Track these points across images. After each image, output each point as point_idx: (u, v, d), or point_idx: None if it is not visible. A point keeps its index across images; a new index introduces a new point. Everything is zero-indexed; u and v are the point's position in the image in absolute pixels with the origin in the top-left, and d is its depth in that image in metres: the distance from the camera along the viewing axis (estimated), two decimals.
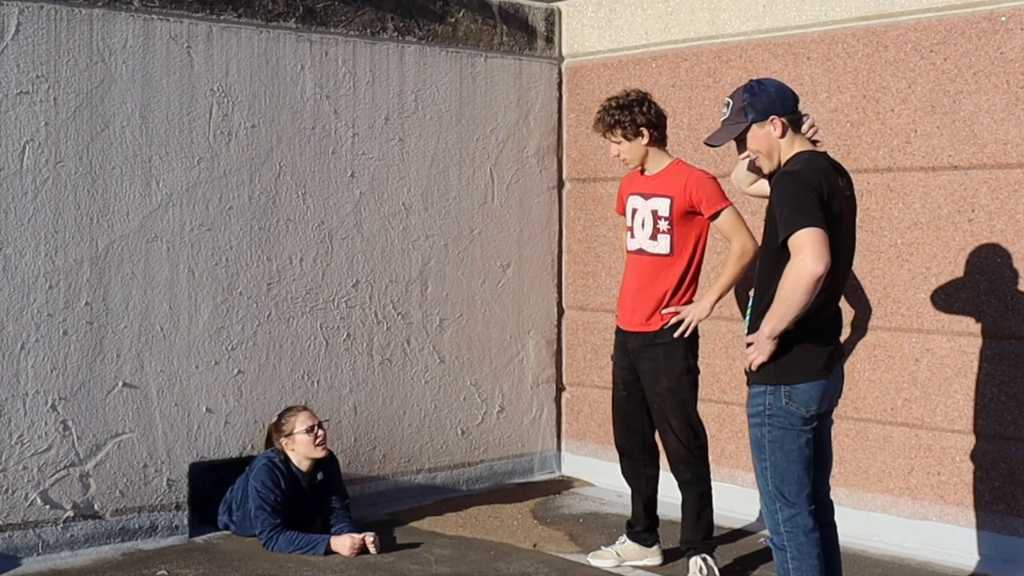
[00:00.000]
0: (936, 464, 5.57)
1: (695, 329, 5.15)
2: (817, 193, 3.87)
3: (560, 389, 7.27)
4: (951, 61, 5.49)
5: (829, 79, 5.91)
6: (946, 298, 5.53)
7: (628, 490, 5.50)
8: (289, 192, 6.05)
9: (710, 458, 5.27)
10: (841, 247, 3.95)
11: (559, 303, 7.25)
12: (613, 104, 5.16)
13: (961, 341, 5.48)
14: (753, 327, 4.03)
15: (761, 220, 4.18)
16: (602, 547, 5.49)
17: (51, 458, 5.33)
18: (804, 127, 4.13)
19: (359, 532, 5.50)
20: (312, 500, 5.67)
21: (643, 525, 5.39)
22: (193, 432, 5.73)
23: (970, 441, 5.46)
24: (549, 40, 7.20)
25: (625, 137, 5.16)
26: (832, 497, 4.29)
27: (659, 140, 5.19)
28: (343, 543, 5.40)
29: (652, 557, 5.39)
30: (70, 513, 5.38)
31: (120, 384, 5.52)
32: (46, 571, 5.13)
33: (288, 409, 5.72)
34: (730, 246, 5.13)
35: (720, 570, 5.19)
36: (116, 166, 5.50)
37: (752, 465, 4.13)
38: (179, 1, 5.66)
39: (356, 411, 6.30)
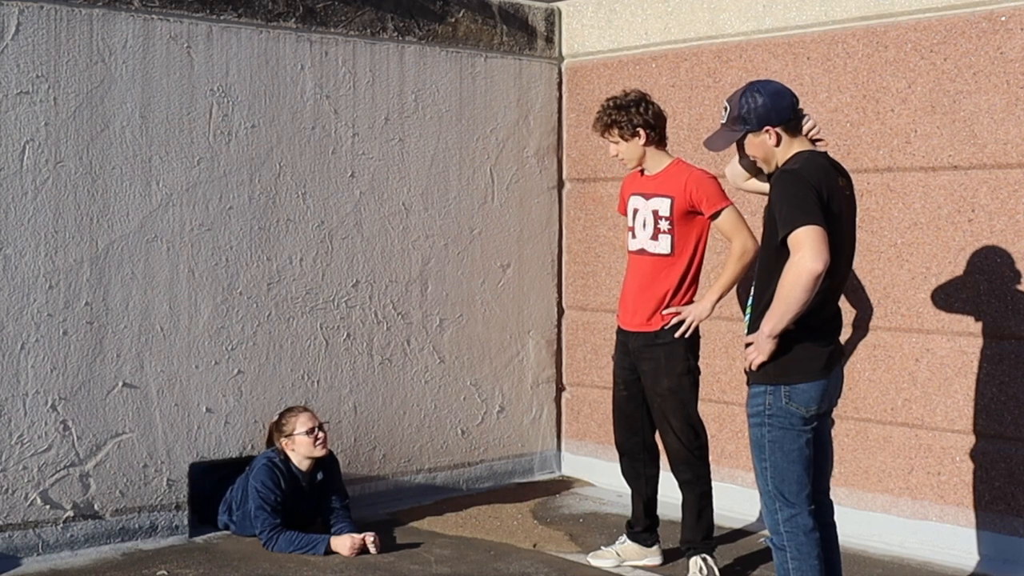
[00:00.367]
0: (936, 464, 5.57)
1: (696, 329, 5.15)
2: (816, 192, 3.87)
3: (560, 389, 7.26)
4: (951, 61, 5.49)
5: (829, 79, 5.91)
6: (946, 298, 5.53)
7: (628, 490, 5.50)
8: (289, 192, 6.05)
9: (710, 458, 5.27)
10: (841, 247, 3.95)
11: (559, 303, 7.25)
12: (611, 104, 5.16)
13: (961, 341, 5.48)
14: (753, 327, 4.03)
15: (761, 220, 4.18)
16: (602, 547, 5.49)
17: (51, 458, 5.33)
18: (805, 127, 4.13)
19: (359, 532, 5.50)
20: (312, 500, 5.67)
21: (643, 525, 5.39)
22: (193, 432, 5.73)
23: (970, 441, 5.46)
24: (549, 40, 7.20)
25: (622, 137, 5.16)
26: (832, 497, 4.29)
27: (657, 140, 5.18)
28: (343, 543, 5.40)
29: (652, 557, 5.39)
30: (70, 513, 5.38)
31: (120, 384, 5.52)
32: (46, 571, 5.13)
33: (289, 409, 5.72)
34: (730, 246, 5.13)
35: (720, 570, 5.19)
36: (116, 166, 5.50)
37: (752, 465, 4.13)
38: (179, 1, 5.66)
39: (356, 411, 6.30)
